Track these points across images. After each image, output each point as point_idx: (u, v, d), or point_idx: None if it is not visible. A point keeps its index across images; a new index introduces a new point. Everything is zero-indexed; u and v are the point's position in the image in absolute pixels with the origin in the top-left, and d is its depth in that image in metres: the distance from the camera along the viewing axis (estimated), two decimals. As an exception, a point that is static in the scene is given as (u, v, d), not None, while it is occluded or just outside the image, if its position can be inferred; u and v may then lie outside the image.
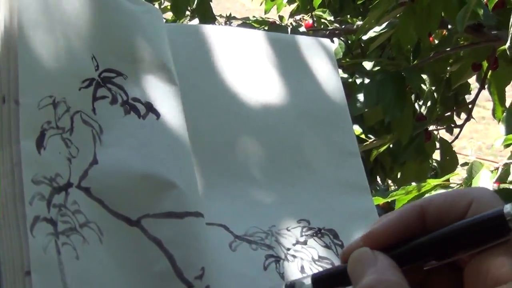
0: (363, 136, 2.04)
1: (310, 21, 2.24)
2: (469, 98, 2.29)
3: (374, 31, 1.87)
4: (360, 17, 2.28)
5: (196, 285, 0.45)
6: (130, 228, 0.46)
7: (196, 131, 0.54)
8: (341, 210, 0.58)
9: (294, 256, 0.54)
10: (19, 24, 0.43)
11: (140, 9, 0.53)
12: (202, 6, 2.14)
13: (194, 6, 2.17)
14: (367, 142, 2.03)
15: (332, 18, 2.31)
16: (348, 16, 2.36)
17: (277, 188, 0.57)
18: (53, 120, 0.44)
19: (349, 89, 1.89)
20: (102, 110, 0.48)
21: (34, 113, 0.42)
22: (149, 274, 0.45)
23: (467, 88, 2.35)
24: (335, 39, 2.16)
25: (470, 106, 2.13)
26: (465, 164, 1.90)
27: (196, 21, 2.28)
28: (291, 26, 2.24)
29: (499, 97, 2.02)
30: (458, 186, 1.36)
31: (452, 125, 2.29)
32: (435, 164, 2.45)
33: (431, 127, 2.24)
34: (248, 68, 0.60)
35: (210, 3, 2.16)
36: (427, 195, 1.31)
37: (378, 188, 2.47)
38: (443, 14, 1.70)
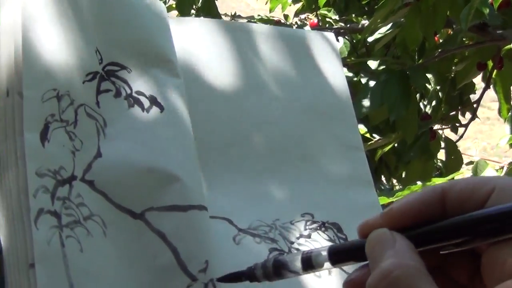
0: (368, 135, 2.03)
1: (315, 20, 2.23)
2: (474, 97, 2.28)
3: (380, 33, 1.87)
4: (365, 16, 2.28)
5: (200, 278, 0.45)
6: (134, 221, 0.46)
7: (200, 124, 0.54)
8: (345, 204, 0.58)
9: (298, 250, 0.53)
10: (23, 18, 0.43)
11: (143, 2, 0.53)
12: (207, 4, 2.14)
13: (199, 4, 2.17)
14: (372, 141, 2.02)
15: (337, 17, 2.30)
16: (353, 15, 2.35)
17: (281, 181, 0.57)
18: (57, 113, 0.44)
19: (354, 88, 1.88)
20: (106, 103, 0.48)
21: (38, 106, 0.42)
22: (153, 266, 0.45)
23: (472, 88, 2.34)
24: (340, 38, 2.15)
25: (475, 105, 2.12)
26: (470, 163, 1.89)
27: (200, 20, 2.26)
28: (296, 25, 2.24)
29: (505, 96, 2.02)
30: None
31: (457, 125, 2.28)
32: (440, 163, 2.44)
33: (436, 126, 2.23)
34: (252, 62, 0.60)
35: (216, 1, 2.16)
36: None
37: (382, 187, 2.46)
38: (448, 14, 1.69)
